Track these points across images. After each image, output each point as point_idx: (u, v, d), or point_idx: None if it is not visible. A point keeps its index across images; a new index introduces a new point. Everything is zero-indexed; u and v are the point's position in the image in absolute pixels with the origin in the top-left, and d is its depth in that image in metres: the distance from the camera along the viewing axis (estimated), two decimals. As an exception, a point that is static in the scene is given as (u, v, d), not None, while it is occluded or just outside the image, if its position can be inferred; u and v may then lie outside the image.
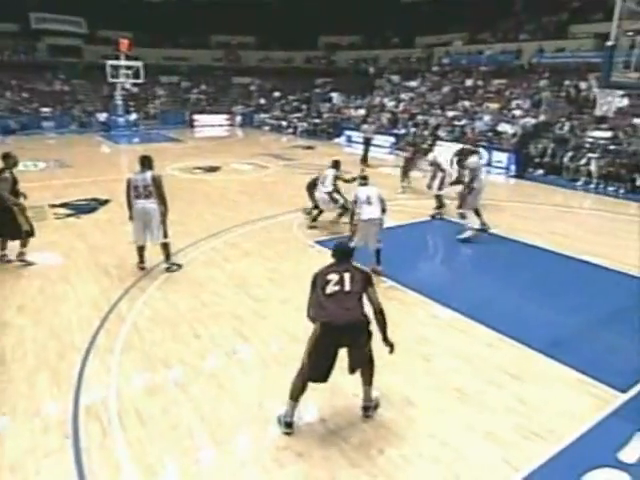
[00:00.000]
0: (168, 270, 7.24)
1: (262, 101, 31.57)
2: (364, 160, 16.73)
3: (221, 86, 34.04)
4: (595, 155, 14.93)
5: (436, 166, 10.87)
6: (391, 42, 33.69)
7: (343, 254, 4.37)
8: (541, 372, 5.05)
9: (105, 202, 11.17)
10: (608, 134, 16.02)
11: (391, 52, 32.87)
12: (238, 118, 30.21)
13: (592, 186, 14.45)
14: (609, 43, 5.51)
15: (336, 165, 9.69)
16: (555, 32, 25.74)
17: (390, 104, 24.89)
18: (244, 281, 7.05)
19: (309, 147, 21.19)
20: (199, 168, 15.52)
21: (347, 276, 4.10)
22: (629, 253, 8.53)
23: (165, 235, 7.14)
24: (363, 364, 4.22)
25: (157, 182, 6.91)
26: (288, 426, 4.15)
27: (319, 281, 4.14)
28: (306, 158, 18.27)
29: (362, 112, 24.68)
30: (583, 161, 15.15)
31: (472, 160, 9.37)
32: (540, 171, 16.20)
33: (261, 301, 6.47)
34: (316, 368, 4.06)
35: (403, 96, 25.44)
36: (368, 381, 4.31)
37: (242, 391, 4.65)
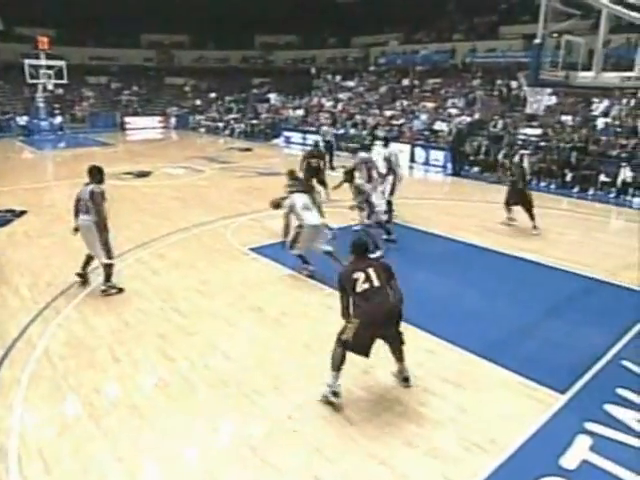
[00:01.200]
0: (104, 292, 6.57)
1: (197, 102, 30.65)
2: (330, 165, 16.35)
3: (154, 87, 32.80)
4: (527, 152, 15.33)
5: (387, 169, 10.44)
6: (328, 42, 33.65)
7: (362, 250, 4.53)
8: (481, 378, 4.91)
9: (21, 214, 10.28)
10: (538, 131, 16.54)
11: (328, 52, 32.82)
12: (172, 120, 29.16)
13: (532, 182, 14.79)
14: (536, 41, 5.48)
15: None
16: (486, 33, 26.49)
17: (328, 104, 24.77)
18: (172, 295, 6.57)
19: (247, 149, 20.65)
20: (129, 173, 14.70)
21: (372, 271, 4.31)
22: (562, 247, 8.74)
23: (108, 256, 6.48)
24: (398, 346, 4.55)
25: (94, 198, 6.29)
26: (336, 395, 4.36)
27: (346, 282, 4.33)
28: (243, 161, 17.79)
29: (300, 112, 24.44)
30: (516, 158, 15.51)
31: (359, 155, 9.59)
32: (476, 169, 16.49)
33: (189, 316, 6.02)
34: (359, 346, 4.29)
35: (341, 96, 25.40)
36: (401, 358, 4.63)
37: (166, 421, 4.22)
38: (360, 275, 4.28)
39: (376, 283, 4.28)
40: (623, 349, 5.49)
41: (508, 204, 9.78)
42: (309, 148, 12.57)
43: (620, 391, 4.72)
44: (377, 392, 4.63)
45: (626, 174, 13.19)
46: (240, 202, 11.33)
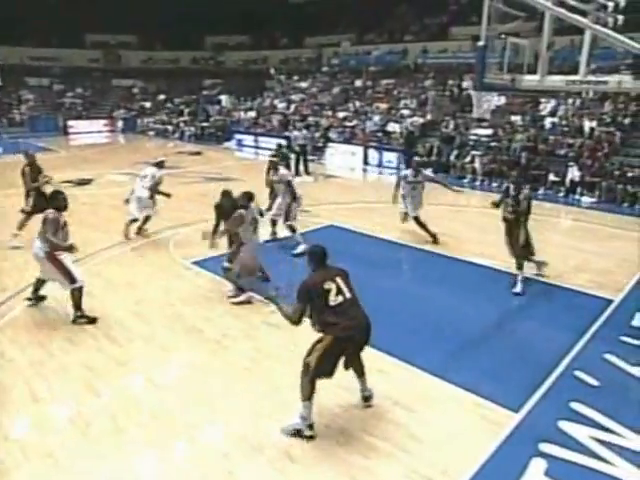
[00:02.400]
0: (74, 322, 5.89)
1: (147, 104, 29.57)
2: (305, 170, 16.01)
3: (100, 89, 31.43)
4: (478, 153, 15.41)
5: None
6: (280, 42, 33.24)
7: (324, 257, 4.18)
8: (434, 398, 4.66)
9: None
10: (489, 131, 16.65)
11: (281, 52, 32.40)
12: (119, 123, 27.91)
13: (477, 183, 14.88)
14: (480, 43, 5.28)
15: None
16: (437, 33, 26.69)
17: (281, 105, 24.34)
18: (105, 320, 6.02)
19: (196, 153, 19.88)
20: (68, 182, 13.81)
21: (340, 280, 4.07)
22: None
23: (71, 281, 5.81)
24: (359, 360, 4.35)
25: (46, 224, 5.78)
26: (311, 428, 4.09)
27: (314, 293, 3.97)
28: (192, 165, 17.10)
29: (252, 114, 23.91)
30: (468, 159, 15.59)
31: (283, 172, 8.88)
32: (428, 170, 16.43)
33: (122, 343, 5.52)
34: (324, 369, 4.04)
35: (294, 97, 25.01)
36: (363, 372, 4.43)
37: (86, 469, 3.76)
38: (332, 286, 3.98)
39: (348, 295, 4.03)
40: (576, 358, 5.38)
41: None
42: (273, 152, 11.95)
43: (574, 405, 4.57)
44: (321, 420, 4.29)
45: (574, 173, 13.39)
46: (186, 211, 10.78)
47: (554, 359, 5.31)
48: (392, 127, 18.99)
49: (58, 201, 5.97)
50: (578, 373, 5.09)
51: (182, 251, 8.30)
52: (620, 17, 4.99)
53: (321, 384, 4.78)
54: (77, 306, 5.93)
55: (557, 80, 5.26)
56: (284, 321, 6.02)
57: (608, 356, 5.42)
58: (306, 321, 4.11)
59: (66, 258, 5.88)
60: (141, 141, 24.83)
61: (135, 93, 31.45)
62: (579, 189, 13.24)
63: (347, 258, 8.34)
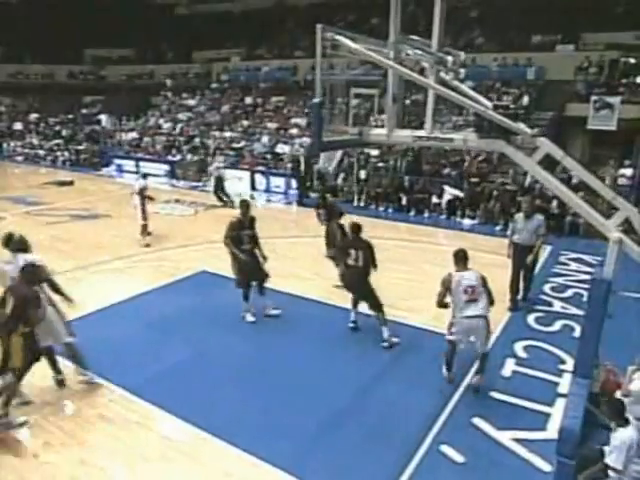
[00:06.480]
0: None
1: (17, 126, 26.77)
2: (221, 198, 14.83)
3: (-44, 108, 28.12)
4: (363, 176, 15.28)
5: None
6: (167, 56, 31.71)
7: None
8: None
9: None
10: (376, 152, 16.57)
11: (168, 67, 30.88)
12: (-19, 148, 25.00)
13: (371, 207, 14.62)
14: (315, 100, 4.85)
15: None
16: (325, 49, 26.58)
17: (166, 125, 22.99)
18: None
19: (68, 183, 17.88)
20: None
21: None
22: (389, 291, 7.90)
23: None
24: None
25: None
26: None
27: None
28: (59, 199, 15.25)
29: (134, 135, 22.34)
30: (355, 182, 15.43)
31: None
32: (316, 195, 16.08)
33: None
34: None
35: (180, 116, 23.78)
36: None
37: None
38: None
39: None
40: (443, 428, 5.04)
41: None
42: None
43: (438, 495, 4.19)
44: None
45: (449, 192, 13.57)
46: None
47: (420, 432, 4.95)
48: (281, 148, 18.49)
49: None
50: (444, 448, 4.76)
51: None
52: (462, 70, 4.75)
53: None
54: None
55: (405, 135, 4.93)
56: (122, 414, 5.19)
57: (476, 420, 5.15)
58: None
59: None
60: (6, 169, 22.18)
61: (1, 112, 28.42)
62: (459, 212, 13.46)
63: (220, 314, 7.38)
